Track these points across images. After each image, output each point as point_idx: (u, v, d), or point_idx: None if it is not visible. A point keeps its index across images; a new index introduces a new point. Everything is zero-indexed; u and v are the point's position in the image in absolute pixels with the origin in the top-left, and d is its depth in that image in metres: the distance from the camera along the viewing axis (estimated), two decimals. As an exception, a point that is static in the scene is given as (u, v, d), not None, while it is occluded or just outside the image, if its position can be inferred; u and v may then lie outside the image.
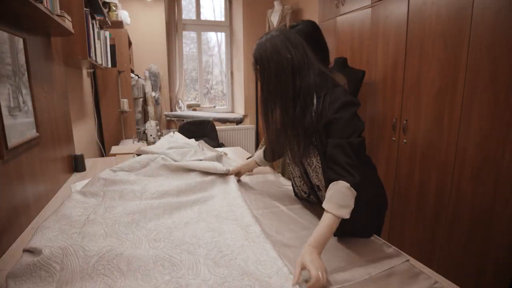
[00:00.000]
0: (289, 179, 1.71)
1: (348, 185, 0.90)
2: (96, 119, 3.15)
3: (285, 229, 1.12)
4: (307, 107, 1.03)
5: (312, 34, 1.52)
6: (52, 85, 1.58)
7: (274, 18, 3.98)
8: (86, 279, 0.78)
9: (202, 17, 4.60)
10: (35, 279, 0.77)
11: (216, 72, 5.00)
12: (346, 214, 0.89)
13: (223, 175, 1.54)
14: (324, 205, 0.92)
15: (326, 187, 0.97)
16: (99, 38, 2.23)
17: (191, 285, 0.78)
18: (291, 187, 1.55)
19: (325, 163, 1.01)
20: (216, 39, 4.88)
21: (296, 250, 0.98)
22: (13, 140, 1.06)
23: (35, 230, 0.98)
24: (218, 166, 1.53)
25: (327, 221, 0.89)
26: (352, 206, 0.91)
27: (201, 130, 3.94)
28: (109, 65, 2.72)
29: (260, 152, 1.48)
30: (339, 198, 0.90)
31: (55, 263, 0.80)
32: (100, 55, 2.28)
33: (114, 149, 2.65)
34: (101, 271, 0.80)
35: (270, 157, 1.46)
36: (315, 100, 1.02)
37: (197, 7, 4.53)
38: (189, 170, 1.58)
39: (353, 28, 2.43)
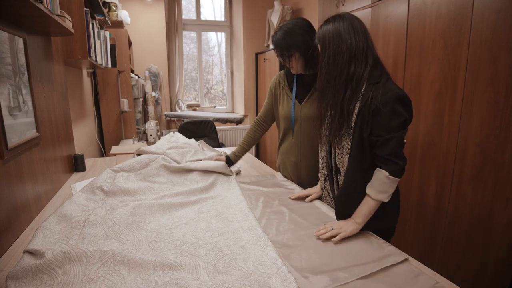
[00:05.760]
0: (286, 177, 1.71)
1: (387, 174, 1.04)
2: (96, 119, 3.15)
3: (285, 229, 1.12)
4: (356, 92, 1.09)
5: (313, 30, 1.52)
6: (52, 85, 1.58)
7: (274, 18, 3.98)
8: (86, 281, 0.79)
9: (202, 17, 4.60)
10: (36, 281, 0.78)
11: (216, 72, 5.00)
12: (384, 198, 1.06)
13: (223, 176, 1.54)
14: (367, 189, 1.08)
15: (350, 170, 1.12)
16: (99, 38, 2.23)
17: (190, 285, 0.78)
18: (291, 187, 1.55)
19: (363, 148, 1.10)
20: (216, 39, 4.88)
21: (296, 250, 0.98)
22: (13, 140, 1.06)
23: (35, 230, 0.98)
24: (220, 164, 1.52)
25: (368, 203, 1.08)
26: (391, 191, 1.06)
27: (201, 130, 3.94)
28: (109, 65, 2.72)
29: None
30: (379, 185, 1.06)
31: (57, 267, 0.81)
32: (100, 55, 2.28)
33: (114, 149, 2.66)
34: (102, 275, 0.81)
35: None
36: (364, 87, 1.08)
37: (197, 7, 4.53)
38: (190, 170, 1.57)
39: (353, 28, 2.42)
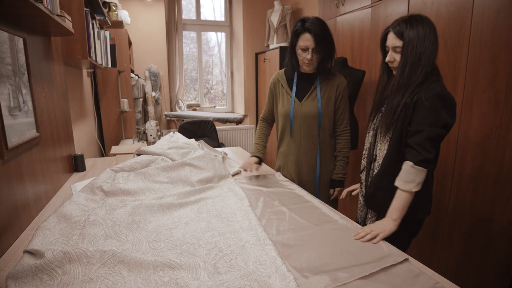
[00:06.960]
0: (286, 176, 1.70)
1: (411, 163, 1.08)
2: (96, 119, 3.15)
3: (285, 229, 1.12)
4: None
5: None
6: (52, 85, 1.58)
7: (274, 18, 3.98)
8: (86, 281, 0.79)
9: (202, 17, 4.60)
10: (36, 281, 0.78)
11: (216, 72, 5.00)
12: (412, 187, 1.08)
13: (223, 177, 1.53)
14: (396, 182, 1.11)
15: (386, 157, 1.19)
16: (99, 38, 2.23)
17: (190, 285, 0.78)
18: (291, 187, 1.55)
19: (401, 139, 1.15)
20: (216, 39, 4.88)
21: (296, 250, 0.98)
22: (13, 140, 1.06)
23: (35, 230, 0.98)
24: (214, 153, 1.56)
25: (399, 196, 1.10)
26: (418, 180, 1.07)
27: (201, 130, 3.94)
28: (109, 65, 2.72)
29: None
30: (405, 175, 1.09)
31: (57, 267, 0.81)
32: (100, 55, 2.28)
33: (114, 149, 2.66)
34: (102, 275, 0.81)
35: None
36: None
37: (197, 7, 4.52)
38: (189, 170, 1.57)
39: (353, 28, 2.43)
